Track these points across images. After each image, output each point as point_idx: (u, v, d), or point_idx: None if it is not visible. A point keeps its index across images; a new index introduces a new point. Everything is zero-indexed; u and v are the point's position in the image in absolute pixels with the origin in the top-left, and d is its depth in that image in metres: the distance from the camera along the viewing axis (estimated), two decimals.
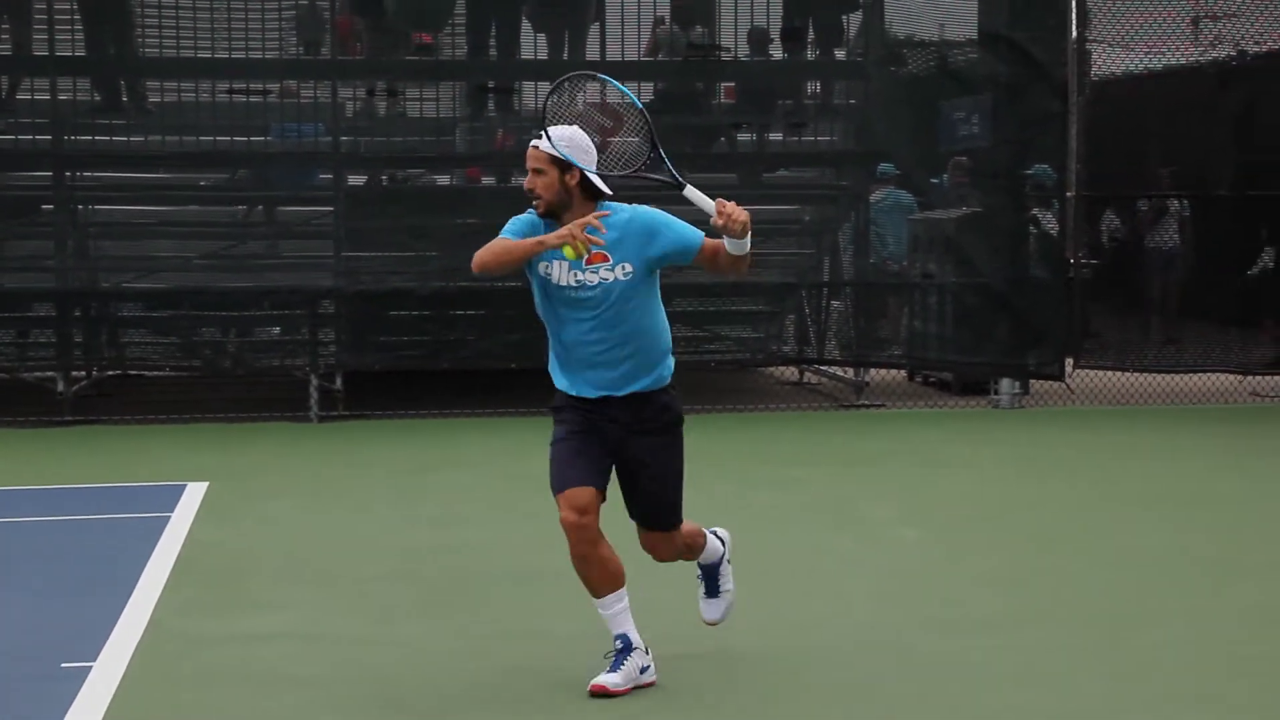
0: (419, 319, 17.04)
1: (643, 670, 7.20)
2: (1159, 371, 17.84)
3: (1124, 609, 8.88)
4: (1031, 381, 17.74)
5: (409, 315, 16.95)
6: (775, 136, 18.53)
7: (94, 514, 11.91)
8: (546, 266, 7.08)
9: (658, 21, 17.65)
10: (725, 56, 17.87)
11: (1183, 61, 18.00)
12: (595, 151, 7.10)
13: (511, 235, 7.09)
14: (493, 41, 17.56)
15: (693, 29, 17.73)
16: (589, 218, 6.89)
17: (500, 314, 17.12)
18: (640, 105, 7.31)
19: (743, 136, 18.45)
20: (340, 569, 9.61)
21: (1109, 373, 17.97)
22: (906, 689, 7.36)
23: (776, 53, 17.93)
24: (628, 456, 7.20)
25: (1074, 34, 17.59)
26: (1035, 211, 17.78)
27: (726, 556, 7.73)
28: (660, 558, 7.52)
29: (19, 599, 9.10)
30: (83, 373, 17.45)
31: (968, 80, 18.16)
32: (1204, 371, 17.92)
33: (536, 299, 7.20)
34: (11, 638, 8.30)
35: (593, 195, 7.09)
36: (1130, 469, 13.87)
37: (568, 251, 6.86)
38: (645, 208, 7.19)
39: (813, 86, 18.48)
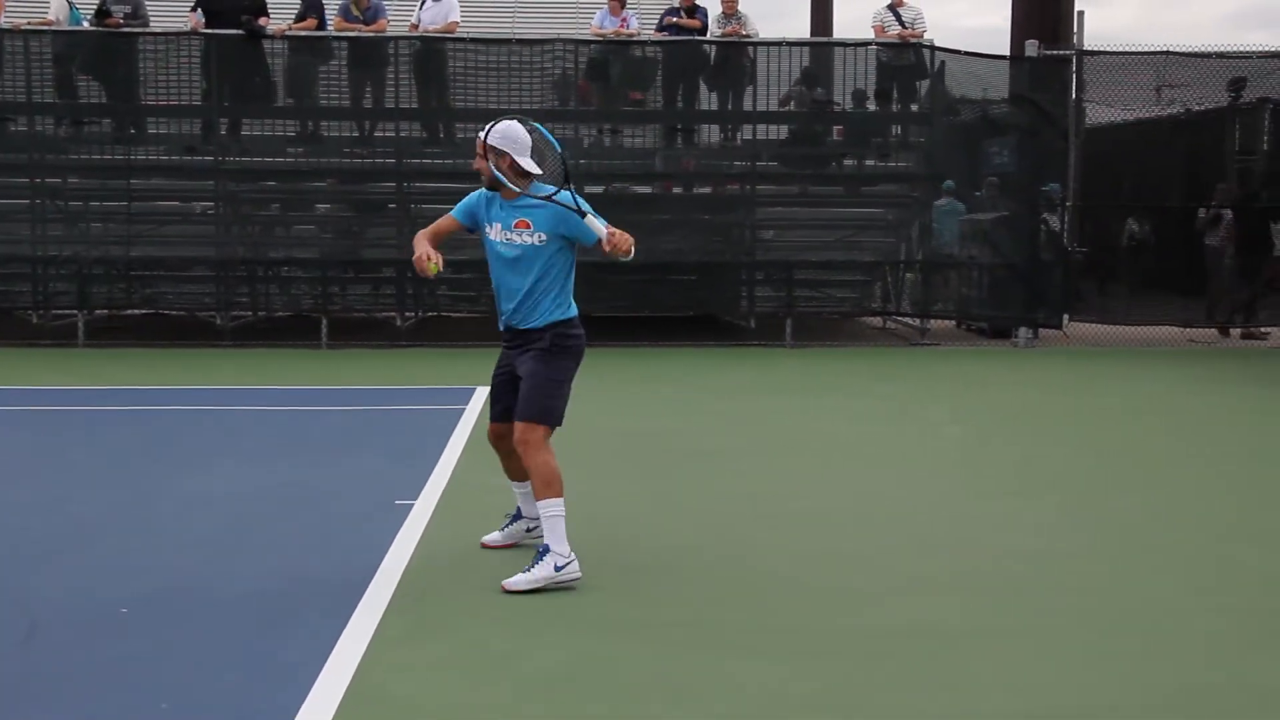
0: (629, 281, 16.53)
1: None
2: (1125, 324, 17.66)
3: (1098, 471, 9.09)
4: (1040, 329, 17.57)
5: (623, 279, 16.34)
6: (870, 162, 18.29)
7: (418, 405, 11.68)
8: (488, 229, 6.11)
9: (793, 83, 17.44)
10: (837, 108, 17.71)
11: (1148, 116, 17.71)
12: (529, 141, 5.97)
13: (460, 210, 6.19)
14: (679, 98, 17.51)
15: (815, 89, 17.58)
16: (435, 261, 5.96)
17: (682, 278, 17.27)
18: (560, 149, 6.33)
19: (848, 161, 18.25)
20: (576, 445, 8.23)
21: (1092, 324, 17.78)
22: (944, 532, 7.28)
23: (872, 105, 17.71)
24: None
25: (1074, 96, 17.41)
26: (1045, 215, 17.57)
27: (556, 564, 5.93)
28: (516, 446, 6.14)
29: (367, 459, 9.10)
30: (412, 312, 17.46)
31: (1001, 126, 17.98)
32: (1156, 325, 17.71)
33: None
34: (363, 481, 8.36)
35: (524, 175, 5.98)
36: (1104, 388, 13.83)
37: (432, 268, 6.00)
38: (565, 195, 6.08)
39: (896, 129, 18.20)
